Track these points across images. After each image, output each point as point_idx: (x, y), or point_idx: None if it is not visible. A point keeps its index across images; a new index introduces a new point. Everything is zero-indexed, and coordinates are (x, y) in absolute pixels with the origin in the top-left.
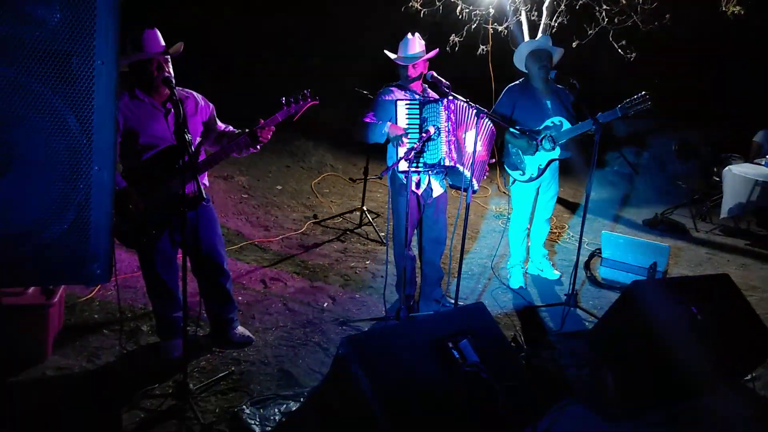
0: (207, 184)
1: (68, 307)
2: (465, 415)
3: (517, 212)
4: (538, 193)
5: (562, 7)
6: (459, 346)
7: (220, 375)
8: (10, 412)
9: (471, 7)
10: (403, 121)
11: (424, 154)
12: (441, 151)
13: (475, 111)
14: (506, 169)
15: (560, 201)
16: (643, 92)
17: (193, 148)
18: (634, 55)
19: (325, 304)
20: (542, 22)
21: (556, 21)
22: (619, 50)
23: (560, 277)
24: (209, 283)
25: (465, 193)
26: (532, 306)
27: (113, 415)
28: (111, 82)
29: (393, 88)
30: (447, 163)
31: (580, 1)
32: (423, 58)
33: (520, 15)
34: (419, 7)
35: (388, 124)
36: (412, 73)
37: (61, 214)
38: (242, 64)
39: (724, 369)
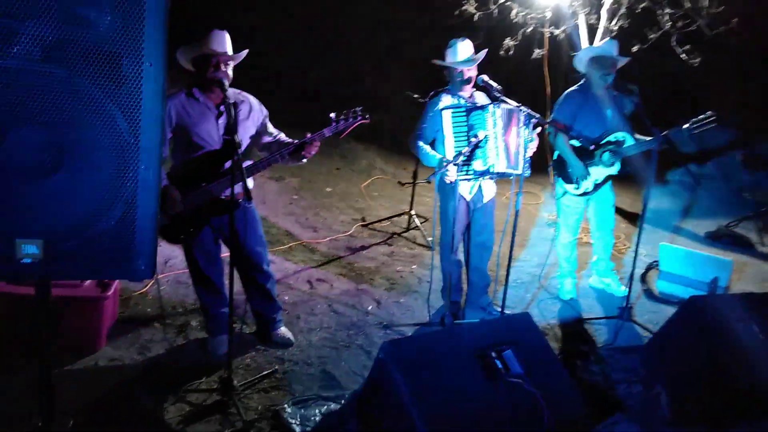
0: (251, 186)
1: (123, 300)
2: (508, 428)
3: (564, 225)
4: (590, 205)
5: (623, 10)
6: (503, 356)
7: (264, 373)
8: (64, 399)
9: (527, 11)
10: (449, 129)
11: (473, 161)
12: (489, 158)
13: (525, 115)
14: (558, 179)
15: (618, 210)
16: (710, 112)
17: (240, 153)
18: (698, 60)
19: (370, 307)
20: (601, 25)
21: (615, 24)
22: (682, 55)
23: (627, 293)
24: (250, 282)
25: (515, 199)
26: (583, 318)
27: (160, 407)
28: (158, 83)
29: (442, 96)
30: (496, 170)
31: (642, 5)
32: (475, 62)
33: (578, 18)
34: (474, 11)
35: (441, 159)
36: (465, 76)
37: (109, 211)
38: (296, 67)
39: None
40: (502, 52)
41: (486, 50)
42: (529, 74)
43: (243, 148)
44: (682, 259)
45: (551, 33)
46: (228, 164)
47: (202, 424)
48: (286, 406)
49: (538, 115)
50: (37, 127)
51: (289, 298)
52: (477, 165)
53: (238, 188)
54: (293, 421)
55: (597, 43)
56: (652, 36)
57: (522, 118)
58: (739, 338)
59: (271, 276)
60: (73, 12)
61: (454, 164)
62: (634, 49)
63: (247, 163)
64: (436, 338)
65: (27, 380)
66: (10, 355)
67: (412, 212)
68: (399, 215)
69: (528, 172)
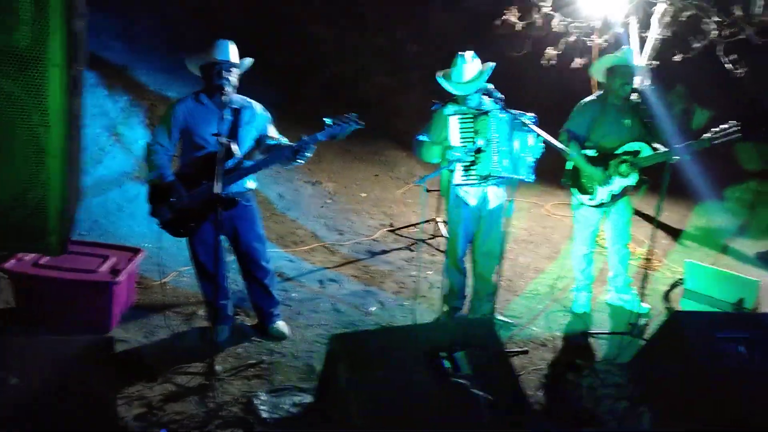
0: (252, 186)
1: (143, 288)
2: (446, 425)
3: (579, 237)
4: (605, 217)
5: (667, 18)
6: (453, 357)
7: (250, 362)
8: None
9: (569, 20)
10: (456, 135)
11: (477, 165)
12: (492, 162)
13: (529, 122)
14: (573, 190)
15: (662, 226)
16: (735, 121)
17: (239, 155)
18: (744, 70)
19: (372, 309)
20: (651, 34)
21: (664, 34)
22: (727, 65)
23: (649, 310)
24: (249, 277)
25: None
26: (590, 333)
27: (148, 386)
28: (65, 83)
29: (448, 105)
30: (498, 174)
31: (687, 12)
32: (477, 84)
33: (629, 26)
34: (516, 20)
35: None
36: (463, 98)
37: (27, 193)
38: (351, 77)
39: None
40: (543, 62)
41: (493, 64)
42: (575, 83)
43: (244, 150)
44: (708, 278)
45: (594, 42)
46: (229, 163)
47: (179, 403)
48: (260, 393)
49: (531, 125)
50: None
51: (297, 295)
52: (480, 170)
53: (237, 187)
54: (263, 408)
55: (646, 52)
56: (696, 45)
57: (527, 125)
58: (723, 357)
59: (270, 272)
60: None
61: (453, 170)
62: (677, 58)
63: (248, 163)
64: (389, 335)
65: None
66: None
67: (438, 219)
68: (426, 221)
69: (532, 178)
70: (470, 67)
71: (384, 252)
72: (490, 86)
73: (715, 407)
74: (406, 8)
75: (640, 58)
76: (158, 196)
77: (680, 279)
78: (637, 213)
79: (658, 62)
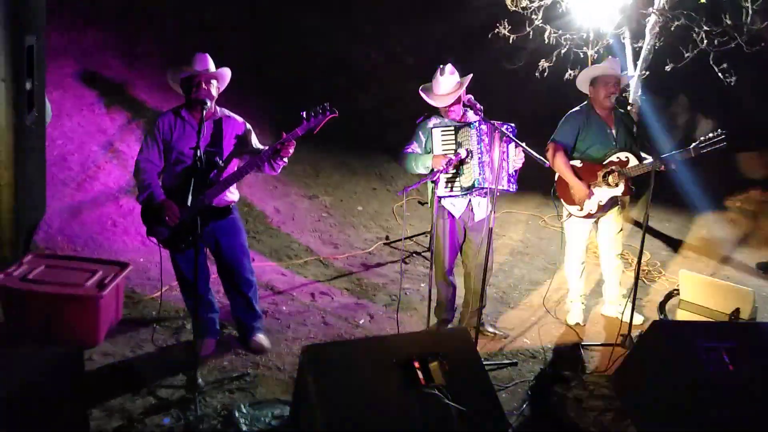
0: (233, 198)
1: (134, 302)
2: None
3: (571, 249)
4: (597, 229)
5: (656, 29)
6: (426, 367)
7: (234, 375)
8: None
9: (560, 32)
10: (439, 147)
11: (459, 177)
12: (474, 173)
13: (510, 132)
14: (561, 201)
15: (660, 236)
16: (720, 130)
17: (221, 165)
18: (734, 79)
19: (361, 321)
20: (645, 45)
21: (651, 43)
22: (719, 73)
23: (643, 321)
24: (232, 289)
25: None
26: (582, 344)
27: (131, 399)
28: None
29: (431, 118)
30: (481, 185)
31: (677, 23)
32: (455, 96)
33: (622, 37)
34: (507, 33)
35: (432, 156)
36: (447, 109)
37: None
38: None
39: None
40: (537, 74)
41: (470, 75)
42: (570, 94)
43: (223, 161)
44: (703, 288)
45: (584, 53)
46: (211, 176)
47: (159, 416)
48: (242, 405)
49: (511, 138)
50: None
51: (287, 309)
52: (463, 181)
53: (223, 198)
54: (243, 420)
55: (639, 63)
56: (687, 54)
57: (506, 138)
58: (705, 367)
59: (252, 284)
60: None
61: (435, 181)
62: (668, 68)
63: (229, 173)
64: (362, 345)
65: None
66: None
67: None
68: (422, 234)
69: (514, 188)
70: (448, 79)
71: (379, 265)
72: (470, 98)
73: (699, 419)
74: (401, 21)
75: (635, 69)
76: (152, 216)
77: (676, 289)
78: (636, 224)
79: (648, 72)
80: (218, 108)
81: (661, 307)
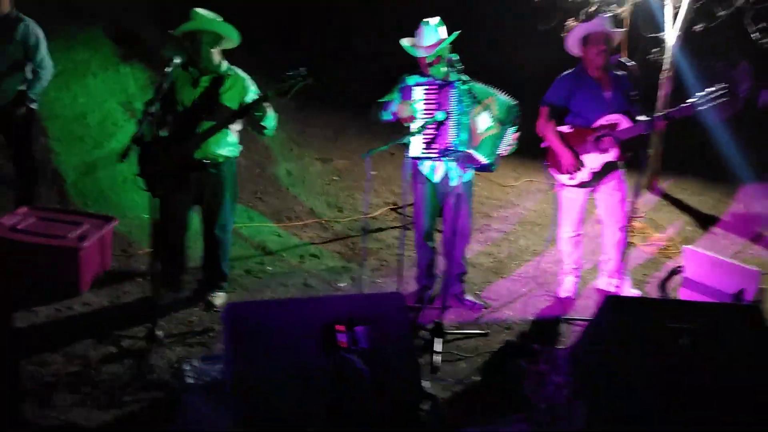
0: (225, 153)
1: (128, 256)
2: (330, 401)
3: (564, 219)
4: (597, 198)
5: None
6: (354, 331)
7: (197, 330)
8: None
9: None
10: (420, 104)
11: (437, 138)
12: (451, 135)
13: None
14: (552, 171)
15: (690, 211)
16: (723, 83)
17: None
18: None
19: (343, 285)
20: (683, 5)
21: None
22: (754, 34)
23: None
24: (206, 239)
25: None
26: (564, 318)
27: (93, 348)
28: None
29: (413, 75)
30: (457, 148)
31: None
32: (436, 50)
33: None
34: None
35: (397, 104)
36: (424, 62)
37: None
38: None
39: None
40: (563, 34)
41: (458, 32)
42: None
43: (219, 115)
44: (707, 267)
45: (617, 11)
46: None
47: (115, 365)
48: (193, 359)
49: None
50: None
51: (272, 269)
52: (440, 142)
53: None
54: (190, 374)
55: (679, 22)
56: (721, 12)
57: (488, 98)
58: (652, 346)
59: (221, 243)
60: None
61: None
62: (698, 28)
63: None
64: (288, 306)
65: None
66: None
67: None
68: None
69: (491, 163)
70: (432, 32)
71: (380, 230)
72: (452, 58)
73: (651, 401)
74: None
75: (672, 29)
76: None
77: (680, 267)
78: (666, 197)
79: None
80: (226, 63)
81: (663, 284)
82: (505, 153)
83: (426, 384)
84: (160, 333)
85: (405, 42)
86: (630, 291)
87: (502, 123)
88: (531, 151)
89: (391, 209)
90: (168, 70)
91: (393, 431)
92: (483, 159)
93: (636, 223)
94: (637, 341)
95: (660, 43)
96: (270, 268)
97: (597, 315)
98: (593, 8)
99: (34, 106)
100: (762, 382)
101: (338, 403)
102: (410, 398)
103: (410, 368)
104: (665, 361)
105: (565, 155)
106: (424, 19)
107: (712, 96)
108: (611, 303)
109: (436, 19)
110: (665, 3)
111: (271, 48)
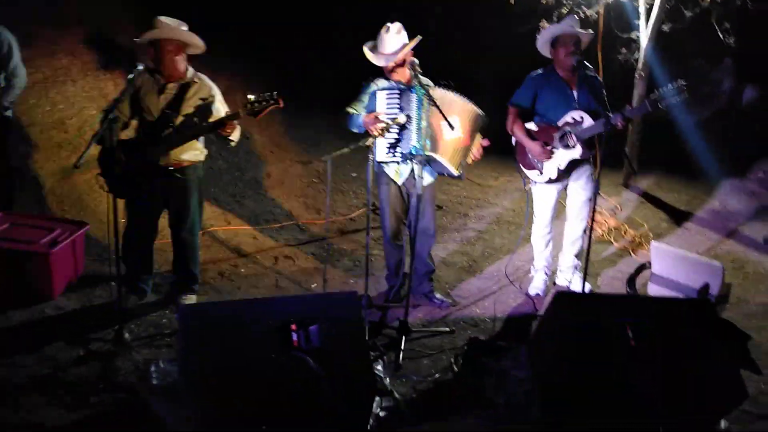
0: (191, 159)
1: (102, 261)
2: (282, 398)
3: (535, 216)
4: (566, 195)
5: None
6: (308, 330)
7: (167, 332)
8: None
9: None
10: (383, 110)
11: (400, 143)
12: (412, 139)
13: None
14: (521, 168)
15: (666, 208)
16: (680, 80)
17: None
18: (732, 39)
19: (314, 285)
20: (656, 3)
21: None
22: (720, 34)
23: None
24: (175, 243)
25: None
26: (534, 315)
27: (63, 351)
28: None
29: (377, 79)
30: (419, 151)
31: None
32: (398, 57)
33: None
34: None
35: (363, 114)
36: (387, 69)
37: None
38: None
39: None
40: (537, 35)
41: (419, 38)
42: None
43: (182, 123)
44: (673, 262)
45: (588, 13)
46: (164, 134)
47: (81, 367)
48: (159, 361)
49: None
50: None
51: (245, 271)
52: (402, 146)
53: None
54: (155, 375)
55: (651, 23)
56: (689, 14)
57: (450, 103)
58: (609, 342)
59: (188, 246)
60: None
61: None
62: (666, 28)
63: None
64: (243, 307)
65: None
66: None
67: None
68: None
69: (459, 172)
70: (393, 38)
71: (357, 231)
72: (415, 61)
73: (599, 394)
74: None
75: (645, 29)
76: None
77: (648, 263)
78: (645, 195)
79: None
80: (192, 71)
81: (631, 280)
82: (471, 162)
83: (386, 381)
84: (127, 336)
85: (367, 51)
86: (580, 286)
87: (470, 132)
88: (510, 151)
89: (372, 210)
90: (130, 77)
91: (345, 429)
92: (448, 166)
93: (611, 221)
94: (585, 336)
95: (634, 42)
96: (243, 270)
97: (547, 310)
98: (566, 10)
99: (8, 113)
100: (710, 374)
101: (291, 402)
102: (363, 396)
103: (363, 366)
104: (612, 355)
105: (532, 145)
106: (385, 25)
107: (670, 93)
108: (561, 298)
109: (397, 25)
110: (638, 3)
111: (257, 49)
